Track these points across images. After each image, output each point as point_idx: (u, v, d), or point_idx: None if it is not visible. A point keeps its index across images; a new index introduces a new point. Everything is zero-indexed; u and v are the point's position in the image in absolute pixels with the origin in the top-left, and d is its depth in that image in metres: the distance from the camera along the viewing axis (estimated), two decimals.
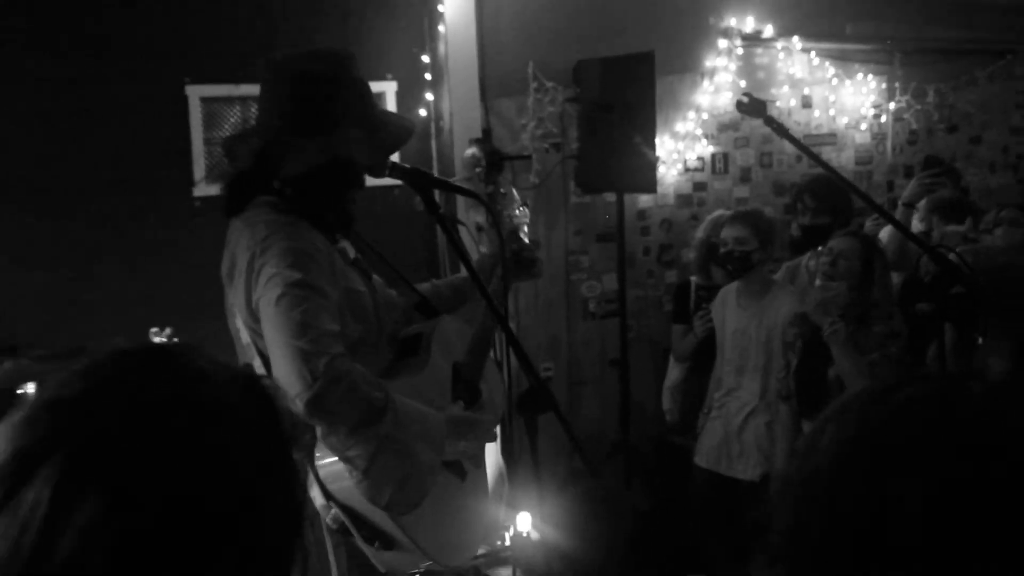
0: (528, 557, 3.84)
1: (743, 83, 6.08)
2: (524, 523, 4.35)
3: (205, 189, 4.65)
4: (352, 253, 2.73)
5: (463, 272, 3.06)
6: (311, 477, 2.43)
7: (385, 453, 2.35)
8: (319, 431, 2.38)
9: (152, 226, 4.63)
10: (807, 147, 3.12)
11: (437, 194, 2.82)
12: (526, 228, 3.11)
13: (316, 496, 2.43)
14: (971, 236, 4.88)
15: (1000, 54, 7.23)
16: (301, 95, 2.51)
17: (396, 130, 2.70)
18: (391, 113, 2.80)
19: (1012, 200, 6.35)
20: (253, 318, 2.42)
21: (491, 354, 3.10)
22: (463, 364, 2.90)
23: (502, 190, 3.42)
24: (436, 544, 2.52)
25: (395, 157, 2.74)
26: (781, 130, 2.91)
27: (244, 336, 2.51)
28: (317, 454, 2.45)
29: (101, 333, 4.21)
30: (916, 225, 4.89)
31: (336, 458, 2.39)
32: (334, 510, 2.43)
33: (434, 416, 2.56)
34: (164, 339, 4.23)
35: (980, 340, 3.93)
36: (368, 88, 2.68)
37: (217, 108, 4.76)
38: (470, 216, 4.72)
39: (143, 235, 4.63)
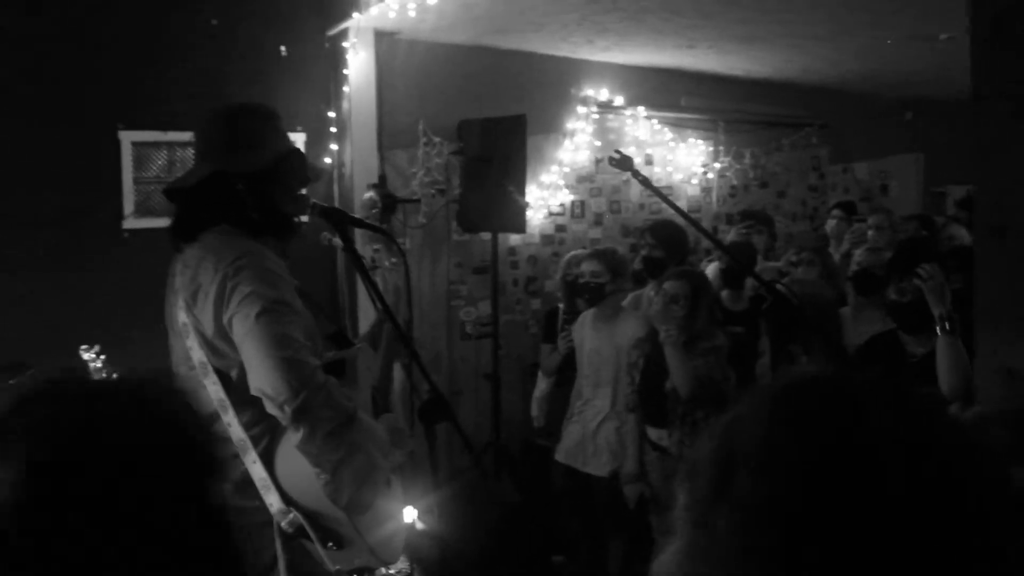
0: (416, 545, 3.81)
1: (598, 143, 6.21)
2: (412, 515, 4.31)
3: (134, 223, 4.51)
4: (295, 282, 2.62)
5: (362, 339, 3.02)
6: (268, 483, 2.28)
7: (352, 458, 2.24)
8: (296, 437, 2.19)
9: (85, 254, 4.45)
10: (664, 195, 3.22)
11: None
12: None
13: (274, 502, 2.27)
14: (784, 271, 5.08)
15: (800, 126, 7.56)
16: (246, 120, 2.44)
17: (314, 168, 2.66)
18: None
19: (808, 244, 6.62)
20: (221, 336, 2.25)
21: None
22: (377, 387, 2.84)
23: (375, 247, 3.36)
24: (382, 543, 2.44)
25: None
26: (645, 181, 3.00)
27: (197, 355, 2.32)
28: (276, 464, 2.32)
29: (37, 349, 4.05)
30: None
31: (295, 463, 2.24)
32: (292, 514, 2.27)
33: (379, 427, 2.48)
34: (93, 355, 4.06)
35: (800, 353, 4.09)
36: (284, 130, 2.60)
37: (146, 151, 4.62)
38: (366, 251, 4.68)
39: (77, 262, 4.45)
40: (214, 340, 2.28)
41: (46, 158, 4.38)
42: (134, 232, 4.48)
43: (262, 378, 2.15)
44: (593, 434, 4.37)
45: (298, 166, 2.51)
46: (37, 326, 4.27)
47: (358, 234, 4.93)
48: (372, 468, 2.33)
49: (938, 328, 3.26)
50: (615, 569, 4.39)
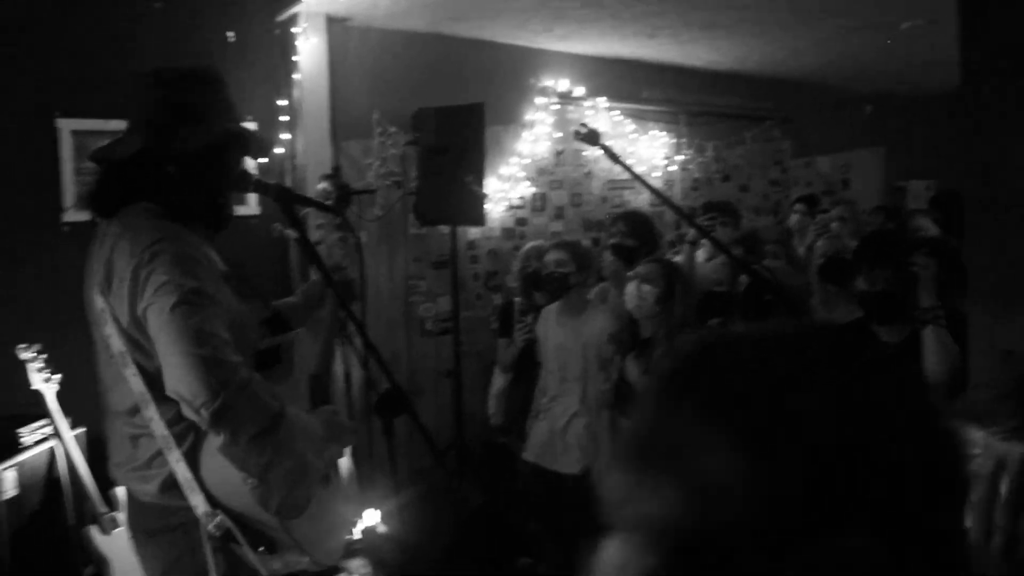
0: (377, 548, 3.72)
1: (558, 135, 6.15)
2: (374, 518, 4.21)
3: (74, 215, 4.34)
4: (222, 265, 2.48)
5: (297, 296, 2.90)
6: (193, 484, 2.15)
7: (281, 460, 2.12)
8: (217, 441, 2.07)
9: (22, 249, 4.29)
10: (636, 172, 3.14)
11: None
12: (345, 259, 2.97)
13: (199, 504, 2.14)
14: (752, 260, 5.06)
15: (762, 120, 7.58)
16: (183, 88, 2.24)
17: (261, 138, 2.51)
18: (253, 130, 2.57)
19: (771, 238, 6.63)
20: (136, 327, 2.10)
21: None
22: (316, 376, 2.73)
23: (319, 222, 3.26)
24: (316, 545, 2.32)
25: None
26: (613, 156, 2.92)
27: (116, 344, 2.16)
28: (202, 464, 2.18)
29: None
30: (701, 257, 5.02)
31: (220, 466, 2.11)
32: (219, 517, 2.15)
33: (313, 422, 2.36)
34: (33, 354, 3.90)
35: None
36: (233, 98, 2.40)
37: (87, 141, 4.43)
38: (312, 235, 4.59)
39: (13, 257, 4.29)
40: (130, 330, 2.12)
41: None
42: (74, 225, 4.31)
43: (177, 379, 1.99)
44: (562, 431, 4.29)
45: (241, 147, 2.36)
46: None
47: (310, 227, 4.88)
48: (303, 469, 2.22)
49: (929, 318, 3.26)
50: (584, 570, 4.31)
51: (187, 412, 2.02)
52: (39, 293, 4.19)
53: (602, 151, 2.99)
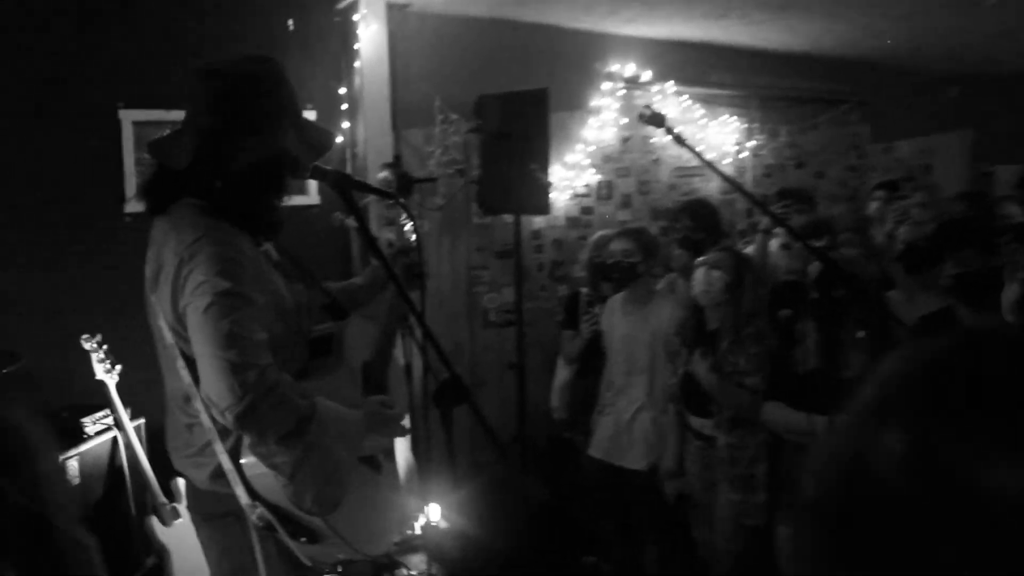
0: (439, 544, 3.64)
1: (624, 121, 6.02)
2: (435, 513, 4.14)
3: (135, 206, 4.33)
4: (274, 255, 2.46)
5: (358, 279, 2.89)
6: (236, 476, 2.19)
7: (309, 459, 2.13)
8: (248, 440, 2.13)
9: (84, 239, 4.33)
10: (704, 157, 2.99)
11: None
12: (413, 243, 2.88)
13: (242, 495, 2.19)
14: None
15: (838, 103, 7.33)
16: (238, 93, 2.19)
17: (321, 133, 2.45)
18: (314, 122, 2.52)
19: (847, 226, 6.44)
20: (179, 323, 2.13)
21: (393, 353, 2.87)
22: (371, 363, 2.68)
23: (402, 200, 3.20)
24: (359, 536, 2.29)
25: None
26: (679, 139, 2.77)
27: (167, 336, 2.20)
28: (243, 457, 2.20)
29: (34, 339, 3.92)
30: (775, 246, 4.85)
31: (257, 461, 2.15)
32: (260, 508, 2.19)
33: (352, 415, 2.33)
34: (94, 344, 3.92)
35: (861, 334, 3.88)
36: (294, 91, 2.35)
37: (148, 132, 4.43)
38: (382, 234, 4.53)
39: (76, 248, 4.32)
40: (175, 326, 2.16)
41: (42, 140, 4.25)
42: (136, 216, 4.30)
43: (206, 381, 2.03)
44: (628, 426, 4.19)
45: (291, 163, 2.29)
46: (34, 315, 4.15)
47: (372, 218, 4.83)
48: (335, 466, 2.22)
49: None
50: (651, 570, 4.19)
51: (215, 414, 2.06)
52: (102, 284, 4.20)
53: (669, 135, 2.85)
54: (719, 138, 6.62)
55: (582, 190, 6.04)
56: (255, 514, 2.18)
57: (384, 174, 4.85)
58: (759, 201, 3.83)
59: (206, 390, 2.03)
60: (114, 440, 4.01)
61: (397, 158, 5.15)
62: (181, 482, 3.79)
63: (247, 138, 2.18)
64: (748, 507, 3.62)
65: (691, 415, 3.86)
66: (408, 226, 2.88)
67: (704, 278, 3.74)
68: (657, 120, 2.78)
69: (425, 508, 4.29)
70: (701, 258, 3.89)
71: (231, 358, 1.99)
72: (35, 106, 4.25)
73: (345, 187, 2.49)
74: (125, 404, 3.94)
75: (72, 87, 4.31)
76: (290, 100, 2.29)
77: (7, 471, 0.95)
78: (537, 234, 5.89)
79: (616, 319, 4.34)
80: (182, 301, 2.09)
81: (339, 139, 4.99)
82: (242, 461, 2.18)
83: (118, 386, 3.93)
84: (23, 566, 0.92)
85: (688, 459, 3.89)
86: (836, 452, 0.67)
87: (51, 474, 1.01)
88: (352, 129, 5.08)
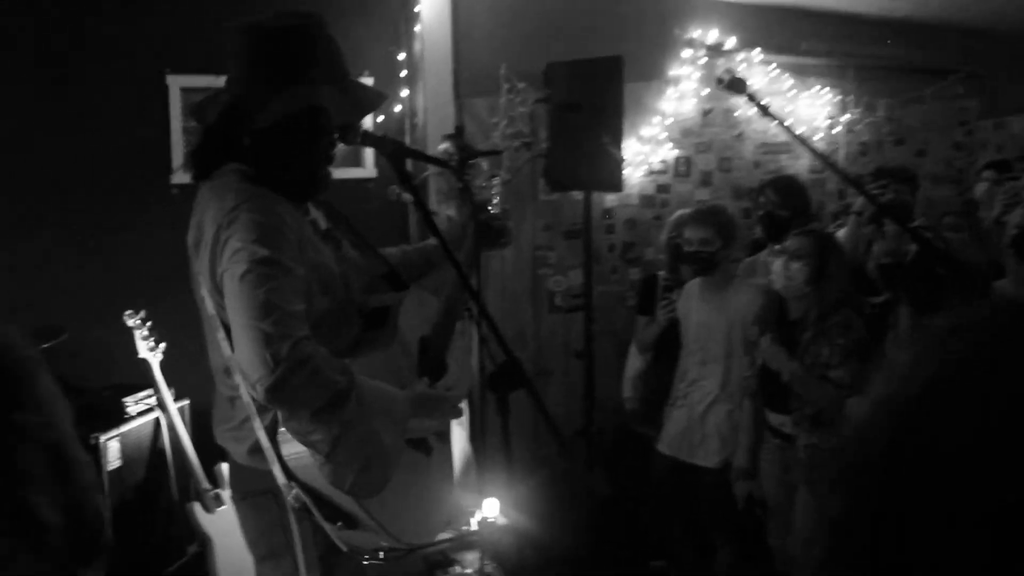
0: (495, 542, 3.64)
1: (706, 91, 5.93)
2: (492, 508, 4.14)
3: (183, 177, 4.41)
4: (323, 224, 2.49)
5: (431, 240, 2.88)
6: (272, 454, 2.23)
7: (348, 438, 2.15)
8: (280, 414, 2.17)
9: (129, 211, 4.42)
10: (792, 129, 2.92)
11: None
12: (496, 199, 2.89)
13: (278, 474, 2.23)
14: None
15: (944, 74, 7.12)
16: (270, 48, 2.27)
17: (369, 93, 2.48)
18: (363, 83, 2.55)
19: (953, 208, 6.27)
20: (217, 291, 2.19)
21: (457, 328, 2.86)
22: (430, 338, 2.69)
23: (470, 162, 3.18)
24: (400, 524, 2.31)
25: None
26: (763, 108, 2.71)
27: (209, 306, 2.27)
28: (280, 436, 2.24)
29: (77, 314, 4.01)
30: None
31: (294, 439, 2.19)
32: (296, 489, 2.22)
33: (399, 396, 2.35)
34: (138, 321, 4.00)
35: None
36: (339, 49, 2.40)
37: (197, 99, 4.51)
38: (442, 210, 4.54)
39: (120, 221, 4.42)
40: (213, 295, 2.22)
41: (84, 107, 4.34)
42: (183, 188, 4.38)
43: (240, 351, 2.08)
44: (701, 419, 4.16)
45: (327, 119, 2.34)
46: (77, 289, 4.26)
47: (432, 195, 4.85)
48: (378, 447, 2.23)
49: None
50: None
51: (246, 387, 2.12)
52: (146, 258, 4.28)
53: (751, 104, 2.79)
54: (809, 112, 6.48)
55: (658, 166, 5.96)
56: (291, 495, 2.22)
57: (444, 146, 4.85)
58: (853, 179, 3.73)
59: (239, 360, 2.07)
60: (156, 422, 4.10)
61: (459, 129, 5.12)
62: (225, 467, 3.86)
63: (273, 93, 2.23)
64: None
65: (769, 411, 3.79)
66: (495, 180, 2.91)
67: (784, 270, 3.67)
68: (738, 86, 2.73)
69: (482, 502, 4.30)
70: (781, 246, 3.81)
71: (265, 328, 2.02)
72: (76, 71, 4.32)
73: (401, 155, 2.51)
74: (169, 384, 4.02)
75: (117, 50, 4.39)
76: (328, 55, 2.33)
77: (10, 394, 0.97)
78: (608, 213, 5.84)
79: (692, 305, 4.30)
80: (219, 268, 2.14)
81: (397, 108, 5.02)
82: (279, 439, 2.21)
83: (162, 365, 4.00)
84: (53, 495, 0.96)
85: (764, 459, 3.83)
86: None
87: (53, 395, 1.04)
88: (411, 98, 5.10)
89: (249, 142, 2.27)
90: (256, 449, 2.27)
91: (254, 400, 2.19)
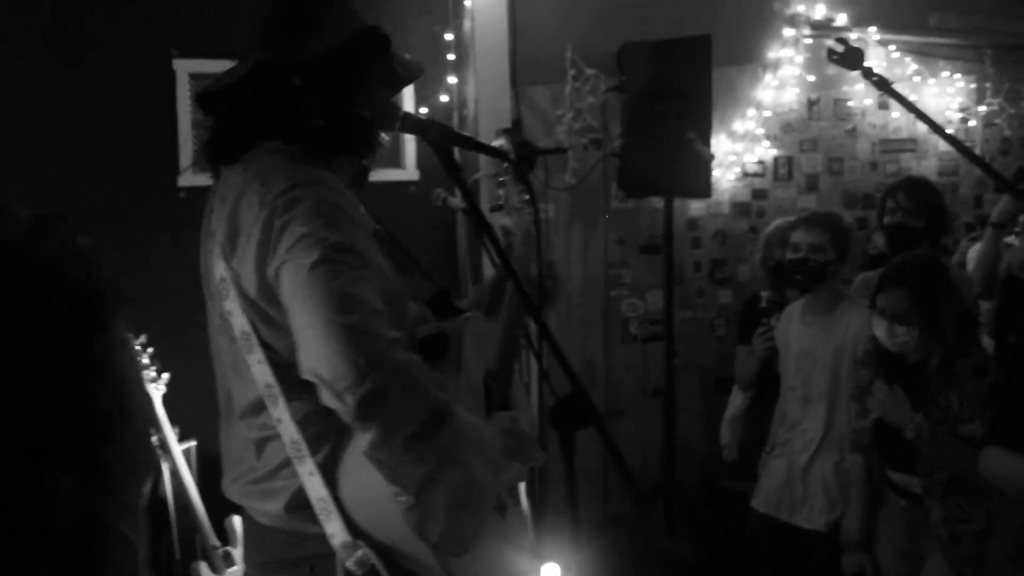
0: None
1: (811, 78, 5.91)
2: (553, 573, 4.07)
3: (191, 179, 4.43)
4: (371, 222, 2.38)
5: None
6: (331, 504, 2.10)
7: (443, 473, 2.01)
8: (363, 442, 1.97)
9: (128, 218, 4.43)
10: (922, 112, 2.82)
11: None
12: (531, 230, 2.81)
13: (336, 532, 2.09)
14: None
15: None
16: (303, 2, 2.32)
17: (408, 63, 2.45)
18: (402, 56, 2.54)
19: None
20: (266, 296, 2.08)
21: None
22: (496, 372, 2.62)
23: (501, 178, 3.10)
24: None
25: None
26: (883, 84, 2.62)
27: (239, 323, 2.15)
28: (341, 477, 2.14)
29: None
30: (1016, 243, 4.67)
31: (368, 481, 2.04)
32: (362, 551, 2.08)
33: (488, 429, 2.25)
34: (137, 348, 4.00)
35: None
36: (358, 17, 2.41)
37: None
38: (495, 220, 4.50)
39: (118, 227, 4.40)
40: (258, 301, 2.11)
41: (81, 96, 4.36)
42: (191, 191, 4.41)
43: (315, 355, 1.93)
44: (803, 473, 4.09)
45: (380, 52, 2.30)
46: None
47: (486, 208, 4.83)
48: (476, 489, 2.11)
49: None
50: None
51: (326, 398, 1.94)
52: (148, 275, 4.26)
53: (868, 81, 2.70)
54: (938, 103, 6.42)
55: (754, 168, 5.94)
56: (353, 558, 2.08)
57: (500, 142, 4.84)
58: (1002, 177, 3.58)
59: (315, 367, 1.93)
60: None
61: (516, 123, 5.16)
62: (237, 520, 3.83)
63: (319, 32, 2.22)
64: None
65: (889, 469, 3.65)
66: (526, 197, 2.84)
67: (888, 335, 3.52)
68: (853, 58, 2.64)
69: (539, 570, 4.24)
70: (875, 302, 3.63)
71: (352, 323, 1.91)
72: (73, 55, 4.35)
73: (447, 142, 2.47)
74: (172, 422, 4.01)
75: (119, 30, 4.41)
76: (358, 16, 2.35)
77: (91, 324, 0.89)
78: (694, 224, 5.82)
79: (792, 331, 4.22)
80: (274, 262, 2.03)
81: (443, 98, 5.03)
82: (341, 484, 2.10)
83: (164, 399, 4.00)
84: (59, 571, 0.91)
85: (883, 523, 3.68)
86: None
87: (134, 406, 0.95)
88: (460, 86, 5.10)
89: (301, 81, 2.21)
90: (299, 504, 2.13)
91: (304, 433, 2.10)
